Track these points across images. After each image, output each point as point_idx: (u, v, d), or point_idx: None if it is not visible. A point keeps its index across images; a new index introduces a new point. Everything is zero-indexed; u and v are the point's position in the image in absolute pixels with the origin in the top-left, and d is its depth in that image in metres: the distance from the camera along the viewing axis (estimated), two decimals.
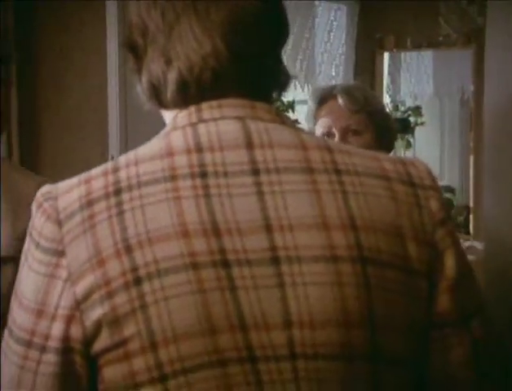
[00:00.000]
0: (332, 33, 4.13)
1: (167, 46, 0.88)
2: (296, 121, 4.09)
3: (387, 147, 1.99)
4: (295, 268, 0.82)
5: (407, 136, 4.68)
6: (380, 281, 0.83)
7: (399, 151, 4.41)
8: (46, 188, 0.89)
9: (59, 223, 0.85)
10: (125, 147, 2.59)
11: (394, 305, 0.84)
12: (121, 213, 0.83)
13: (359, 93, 1.96)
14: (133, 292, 0.81)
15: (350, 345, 0.82)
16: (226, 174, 0.84)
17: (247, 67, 0.88)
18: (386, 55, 4.48)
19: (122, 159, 0.88)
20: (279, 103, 4.09)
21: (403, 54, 4.53)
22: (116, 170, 0.86)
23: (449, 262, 0.87)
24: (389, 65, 4.53)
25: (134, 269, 0.81)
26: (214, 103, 0.88)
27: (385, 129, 1.97)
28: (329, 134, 1.92)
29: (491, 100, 2.36)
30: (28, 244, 0.88)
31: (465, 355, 0.87)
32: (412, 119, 4.76)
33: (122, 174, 0.85)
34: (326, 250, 0.82)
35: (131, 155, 0.88)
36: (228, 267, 0.81)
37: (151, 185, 0.84)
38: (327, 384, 0.82)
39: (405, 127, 4.67)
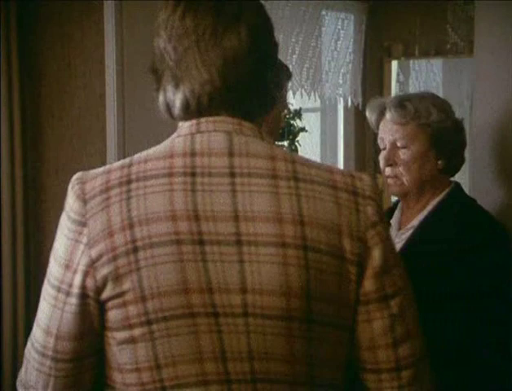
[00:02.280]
0: (339, 42, 4.14)
1: (177, 73, 1.13)
2: (303, 129, 4.12)
3: (448, 159, 1.87)
4: (252, 249, 1.07)
5: None
6: (317, 264, 1.08)
7: None
8: (79, 174, 1.15)
9: (85, 201, 1.11)
10: (123, 153, 2.62)
11: (327, 283, 1.09)
12: (128, 199, 1.09)
13: (413, 104, 1.88)
14: (131, 257, 1.08)
15: (290, 310, 1.08)
16: (210, 175, 1.09)
17: (236, 93, 1.13)
18: (395, 64, 4.48)
19: (137, 156, 1.14)
20: (286, 111, 4.12)
21: (411, 63, 4.53)
22: (130, 165, 1.12)
23: (375, 255, 1.11)
24: (397, 73, 4.53)
25: (134, 240, 1.08)
26: (211, 118, 1.13)
27: (440, 142, 1.86)
28: (384, 148, 1.93)
29: (481, 108, 2.37)
30: (63, 216, 1.15)
31: (384, 326, 1.12)
32: None
33: (134, 169, 1.11)
34: (278, 238, 1.07)
35: (144, 153, 1.14)
36: (203, 245, 1.07)
37: (153, 179, 1.09)
38: (271, 337, 1.08)
39: None
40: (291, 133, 3.96)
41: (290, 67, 4.12)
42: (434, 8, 4.15)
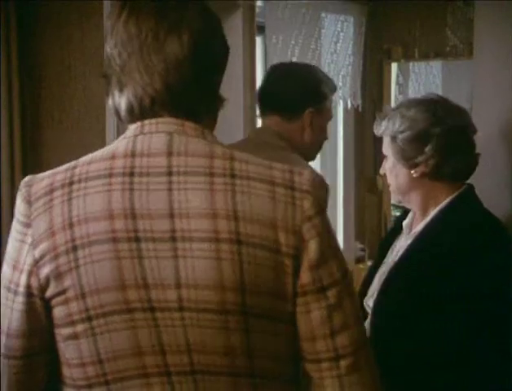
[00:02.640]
0: (338, 44, 4.14)
1: (121, 78, 1.17)
2: None
3: (432, 165, 1.84)
4: (187, 245, 1.10)
5: None
6: (251, 258, 1.10)
7: None
8: (27, 178, 1.21)
9: (30, 203, 1.17)
10: None
11: (262, 276, 1.11)
12: (70, 199, 1.13)
13: (390, 116, 1.89)
14: (71, 256, 1.12)
15: (225, 303, 1.10)
16: (148, 174, 1.13)
17: (178, 95, 1.16)
18: (394, 66, 4.48)
19: (83, 158, 1.19)
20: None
21: (411, 65, 4.53)
22: (75, 167, 1.17)
23: (312, 248, 1.13)
24: (397, 75, 4.53)
25: (73, 239, 1.12)
26: (153, 120, 1.17)
27: (406, 151, 1.85)
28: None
29: (480, 110, 2.37)
30: (14, 219, 1.20)
31: (321, 317, 1.14)
32: None
33: (77, 170, 1.16)
34: (211, 233, 1.10)
35: (90, 156, 1.19)
36: (139, 242, 1.11)
37: (94, 180, 1.14)
38: (207, 330, 1.11)
39: None
40: None
41: None
42: (433, 10, 4.15)
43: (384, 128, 1.91)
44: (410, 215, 2.00)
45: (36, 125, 2.82)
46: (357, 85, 4.29)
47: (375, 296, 1.90)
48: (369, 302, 1.93)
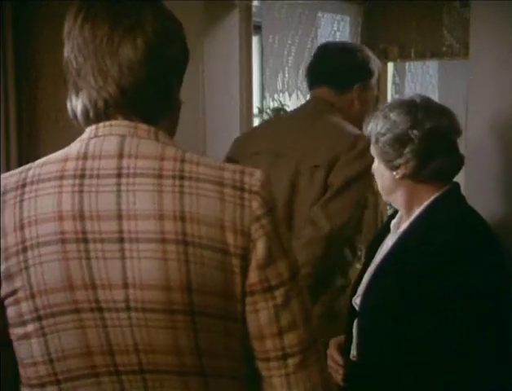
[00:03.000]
0: None
1: (77, 82, 1.18)
2: None
3: (413, 166, 1.84)
4: (134, 246, 1.11)
5: None
6: (198, 259, 1.11)
7: None
8: None
9: None
10: None
11: (210, 276, 1.12)
12: (21, 201, 1.15)
13: (374, 119, 1.91)
14: (21, 256, 1.14)
15: (171, 303, 1.12)
16: (98, 176, 1.14)
17: (132, 99, 1.17)
18: (390, 65, 4.49)
19: (38, 161, 1.20)
20: (282, 113, 4.11)
21: (407, 65, 4.53)
22: (29, 169, 1.19)
23: (260, 248, 1.14)
24: (393, 75, 4.54)
25: (23, 241, 1.14)
26: (107, 123, 1.18)
27: (387, 153, 1.87)
28: None
29: (476, 110, 2.38)
30: None
31: (269, 316, 1.15)
32: None
33: (30, 173, 1.17)
34: (158, 234, 1.11)
35: (45, 158, 1.20)
36: (87, 243, 1.12)
37: (46, 182, 1.15)
38: (154, 330, 1.13)
39: None
40: None
41: (286, 69, 4.13)
42: (430, 10, 4.16)
43: (370, 129, 1.93)
44: (398, 214, 2.02)
45: (32, 124, 2.82)
46: None
47: (362, 295, 1.91)
48: (357, 301, 1.94)
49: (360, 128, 2.20)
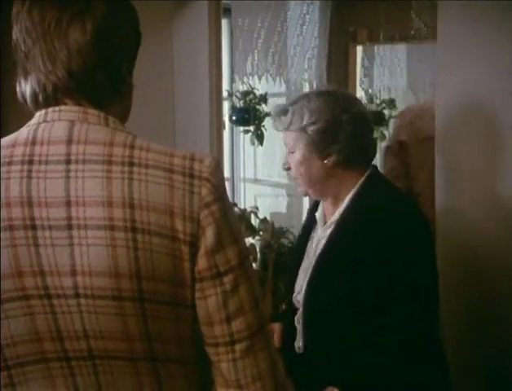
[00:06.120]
0: (304, 27, 4.14)
1: (26, 65, 1.16)
2: (269, 114, 4.11)
3: (341, 154, 1.87)
4: (82, 233, 1.11)
5: (381, 128, 4.72)
6: (147, 245, 1.12)
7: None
8: None
9: None
10: None
11: (159, 263, 1.12)
12: None
13: (291, 110, 1.91)
14: None
15: (120, 290, 1.12)
16: (46, 162, 1.13)
17: (81, 83, 1.16)
18: (359, 49, 4.51)
19: None
20: (251, 96, 4.11)
21: (376, 48, 4.55)
22: None
23: (208, 234, 1.14)
24: (362, 58, 4.56)
25: None
26: (56, 108, 1.17)
27: (319, 142, 1.87)
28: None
29: (443, 94, 2.40)
30: None
31: (217, 302, 1.16)
32: (386, 112, 4.80)
33: None
34: (107, 221, 1.11)
35: None
36: (35, 230, 1.12)
37: None
38: (103, 316, 1.13)
39: (380, 120, 4.71)
40: (257, 118, 3.97)
41: (255, 52, 4.13)
42: None
43: (288, 123, 1.92)
44: (321, 206, 2.02)
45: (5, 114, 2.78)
46: (323, 67, 4.30)
47: (303, 292, 1.90)
48: (299, 298, 1.93)
49: None
